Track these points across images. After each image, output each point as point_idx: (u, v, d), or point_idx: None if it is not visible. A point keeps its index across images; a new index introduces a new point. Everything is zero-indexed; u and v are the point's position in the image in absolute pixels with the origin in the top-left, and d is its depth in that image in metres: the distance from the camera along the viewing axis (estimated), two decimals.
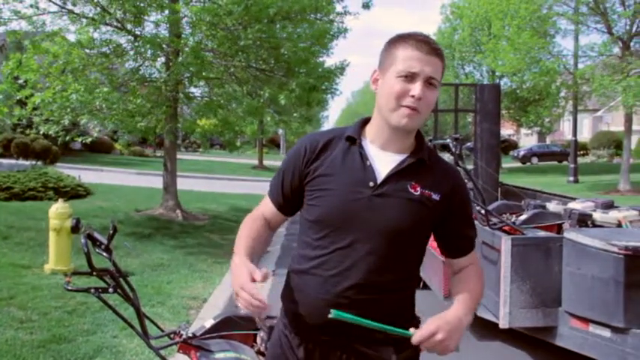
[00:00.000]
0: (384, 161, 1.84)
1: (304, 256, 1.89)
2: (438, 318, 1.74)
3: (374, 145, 1.87)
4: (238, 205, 14.63)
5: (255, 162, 33.92)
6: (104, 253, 3.50)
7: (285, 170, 1.95)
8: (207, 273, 7.54)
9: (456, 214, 1.90)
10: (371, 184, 1.81)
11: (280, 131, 52.43)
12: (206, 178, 22.68)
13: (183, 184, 12.02)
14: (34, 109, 9.49)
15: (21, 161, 20.40)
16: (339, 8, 11.44)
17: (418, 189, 1.82)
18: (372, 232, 1.79)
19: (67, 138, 10.10)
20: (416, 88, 1.75)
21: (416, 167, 1.84)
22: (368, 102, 73.80)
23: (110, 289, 3.38)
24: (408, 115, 1.77)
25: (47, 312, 5.47)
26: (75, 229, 7.73)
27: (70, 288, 3.41)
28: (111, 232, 3.58)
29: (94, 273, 3.47)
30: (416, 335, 1.71)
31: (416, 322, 1.90)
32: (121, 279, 3.44)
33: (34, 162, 19.79)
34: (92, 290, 3.35)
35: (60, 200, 7.27)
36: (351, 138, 1.87)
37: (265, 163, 33.47)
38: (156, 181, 18.00)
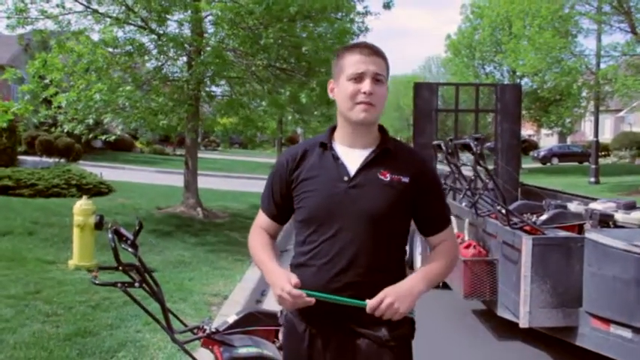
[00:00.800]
0: (353, 157, 2.09)
1: (300, 252, 2.14)
2: (389, 287, 1.96)
3: (343, 145, 2.12)
4: (258, 203, 14.62)
5: (274, 161, 34.01)
6: (129, 249, 3.57)
7: (272, 184, 2.22)
8: (227, 270, 7.62)
9: (425, 193, 2.10)
10: (345, 178, 2.05)
11: (299, 130, 52.58)
12: (225, 177, 22.81)
13: (203, 182, 12.13)
14: (59, 107, 9.64)
15: (45, 159, 20.71)
16: (359, 8, 11.48)
17: (388, 175, 2.05)
18: (353, 219, 2.02)
19: (91, 136, 10.24)
20: (365, 85, 2.01)
21: (382, 157, 2.08)
22: (386, 101, 73.56)
23: (136, 284, 3.45)
24: (364, 110, 2.03)
25: (72, 306, 5.58)
26: (99, 225, 7.84)
27: (97, 282, 3.48)
28: (137, 228, 3.65)
29: (121, 268, 3.54)
30: (368, 303, 1.92)
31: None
32: (146, 274, 3.49)
33: (57, 159, 20.08)
34: (119, 284, 3.42)
35: (84, 197, 7.39)
36: (323, 144, 2.13)
37: None
38: (176, 180, 18.17)
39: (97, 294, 6.05)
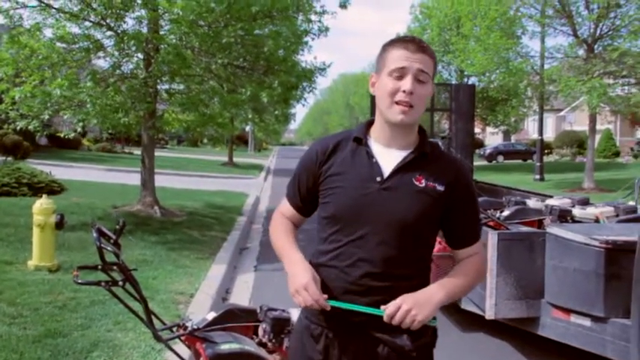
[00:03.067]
0: (389, 157, 1.97)
1: (321, 251, 2.02)
2: (406, 294, 1.87)
3: (378, 143, 2.00)
4: (213, 201, 14.65)
5: (224, 159, 33.78)
6: (109, 247, 3.57)
7: (299, 174, 2.11)
8: (191, 269, 7.60)
9: (460, 204, 1.99)
10: (378, 179, 1.94)
11: (248, 128, 52.24)
12: (178, 175, 22.56)
13: (156, 180, 12.01)
14: (13, 103, 9.37)
15: None
16: (317, 7, 11.56)
17: (423, 181, 1.94)
18: (382, 223, 1.92)
19: (45, 133, 10.00)
20: (406, 83, 1.89)
21: (419, 161, 1.96)
22: (336, 100, 73.93)
23: (120, 283, 3.45)
24: (403, 111, 1.90)
25: (38, 307, 5.48)
26: (59, 224, 7.70)
27: (80, 281, 3.46)
28: (120, 227, 3.65)
29: (102, 267, 3.53)
30: (386, 311, 1.85)
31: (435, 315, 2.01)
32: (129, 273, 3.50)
33: (4, 158, 19.43)
34: (103, 283, 3.42)
35: (44, 196, 7.23)
36: (358, 138, 2.01)
37: (235, 160, 33.36)
38: (128, 178, 17.88)
39: (61, 294, 5.95)
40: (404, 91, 1.89)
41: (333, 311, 1.91)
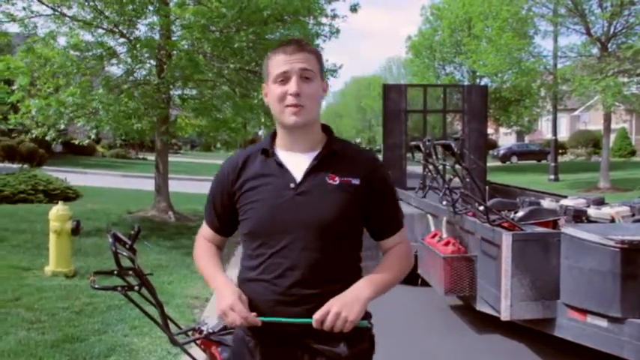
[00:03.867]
0: (298, 162, 1.95)
1: (248, 267, 1.99)
2: (333, 298, 1.84)
3: (284, 150, 1.99)
4: None
5: None
6: (124, 253, 3.61)
7: (214, 195, 2.09)
8: None
9: (377, 196, 1.99)
10: (291, 185, 1.92)
11: (261, 132, 52.41)
12: (191, 180, 22.65)
13: (171, 185, 12.09)
14: (28, 112, 9.49)
15: (7, 164, 20.27)
16: (327, 10, 11.60)
17: (337, 178, 1.93)
18: (302, 229, 1.89)
19: (60, 140, 10.12)
20: (291, 85, 1.88)
21: (330, 159, 1.95)
22: (348, 103, 73.98)
23: (136, 287, 3.48)
24: (293, 113, 1.90)
25: (55, 313, 5.54)
26: (75, 230, 7.78)
27: (96, 286, 3.49)
28: (135, 232, 3.68)
29: (118, 272, 3.56)
30: (314, 317, 1.82)
31: (369, 316, 1.99)
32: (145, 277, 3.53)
33: (21, 165, 19.67)
34: (119, 288, 3.45)
35: (60, 203, 7.31)
36: (265, 150, 2.00)
37: None
38: (142, 183, 17.99)
39: (78, 300, 6.02)
40: (291, 94, 1.89)
41: (268, 324, 1.88)
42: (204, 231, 2.16)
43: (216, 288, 1.95)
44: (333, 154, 1.96)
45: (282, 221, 1.90)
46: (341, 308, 1.81)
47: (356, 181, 1.94)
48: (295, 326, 1.88)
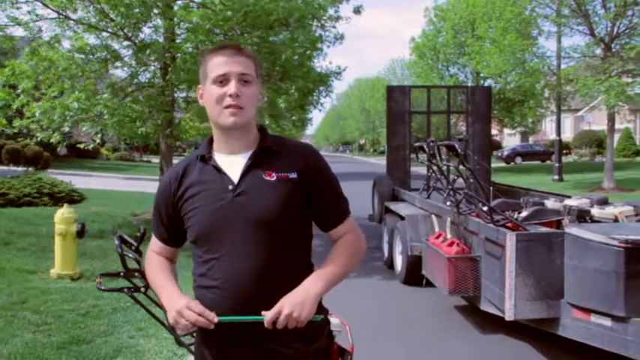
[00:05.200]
0: (234, 164, 1.97)
1: (198, 274, 1.98)
2: (284, 297, 1.84)
3: (221, 153, 2.00)
4: None
5: None
6: (130, 254, 3.64)
7: (159, 207, 2.08)
8: None
9: (317, 187, 1.99)
10: (230, 187, 1.93)
11: None
12: None
13: None
14: (32, 116, 9.54)
15: (12, 167, 20.37)
16: (330, 11, 11.62)
17: (273, 174, 1.94)
18: (245, 229, 1.89)
19: (65, 143, 10.16)
20: (231, 87, 1.90)
21: (264, 157, 1.97)
22: (352, 105, 73.99)
23: (142, 289, 3.51)
24: (232, 114, 1.91)
25: (61, 315, 5.58)
26: (80, 233, 7.82)
27: (103, 288, 3.53)
28: (139, 234, 3.71)
29: (124, 274, 3.59)
30: (266, 317, 1.82)
31: (324, 310, 2.01)
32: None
33: (26, 168, 19.76)
34: (125, 290, 3.48)
35: (65, 205, 7.36)
36: (202, 156, 2.01)
37: None
38: (146, 186, 18.07)
39: (84, 302, 6.06)
40: (230, 95, 1.90)
41: (225, 329, 1.88)
42: (153, 245, 2.14)
43: (166, 298, 1.93)
44: (267, 150, 1.98)
45: (224, 224, 1.91)
46: (292, 308, 1.82)
47: (293, 175, 1.95)
48: (253, 328, 1.87)
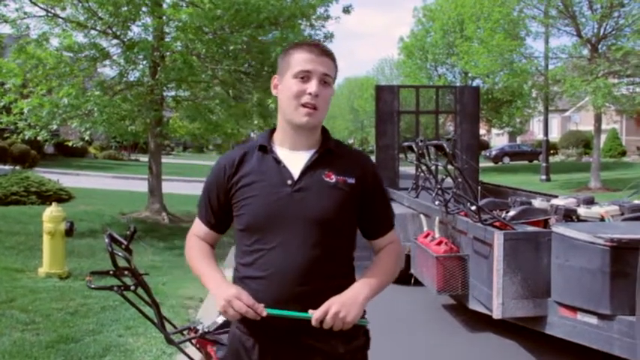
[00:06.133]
0: (296, 160, 1.97)
1: (244, 264, 1.98)
2: (333, 297, 1.86)
3: (284, 147, 2.00)
4: None
5: None
6: (120, 253, 3.63)
7: (209, 191, 2.07)
8: None
9: (371, 194, 2.03)
10: (289, 182, 1.93)
11: (253, 134, 52.44)
12: (184, 181, 22.65)
13: (164, 186, 12.09)
14: (20, 114, 9.48)
15: None
16: (320, 10, 11.64)
17: (333, 176, 1.96)
18: (300, 225, 1.91)
19: (53, 141, 10.11)
20: (312, 85, 1.91)
21: (326, 158, 1.98)
22: (341, 104, 74.02)
23: (132, 287, 3.50)
24: (307, 114, 1.92)
25: (49, 314, 5.55)
26: (69, 232, 7.78)
27: (92, 286, 3.51)
28: (129, 232, 3.70)
29: (114, 272, 3.58)
30: (314, 315, 1.83)
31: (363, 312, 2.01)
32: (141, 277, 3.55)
33: (12, 167, 19.60)
34: (115, 288, 3.47)
35: (53, 204, 7.32)
36: (263, 147, 2.01)
37: None
38: (134, 185, 17.99)
39: (72, 300, 6.03)
40: (310, 94, 1.91)
41: (264, 321, 1.87)
42: (197, 229, 2.13)
43: (214, 285, 1.93)
44: (329, 152, 2.00)
45: (279, 217, 1.91)
46: (340, 308, 1.83)
47: (351, 180, 1.97)
48: (293, 323, 1.88)
